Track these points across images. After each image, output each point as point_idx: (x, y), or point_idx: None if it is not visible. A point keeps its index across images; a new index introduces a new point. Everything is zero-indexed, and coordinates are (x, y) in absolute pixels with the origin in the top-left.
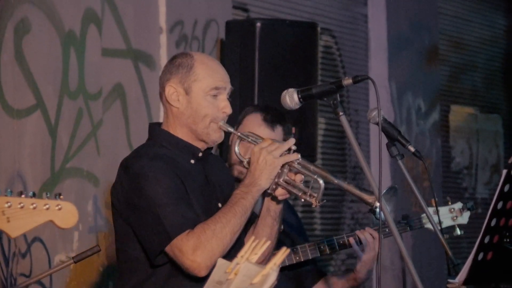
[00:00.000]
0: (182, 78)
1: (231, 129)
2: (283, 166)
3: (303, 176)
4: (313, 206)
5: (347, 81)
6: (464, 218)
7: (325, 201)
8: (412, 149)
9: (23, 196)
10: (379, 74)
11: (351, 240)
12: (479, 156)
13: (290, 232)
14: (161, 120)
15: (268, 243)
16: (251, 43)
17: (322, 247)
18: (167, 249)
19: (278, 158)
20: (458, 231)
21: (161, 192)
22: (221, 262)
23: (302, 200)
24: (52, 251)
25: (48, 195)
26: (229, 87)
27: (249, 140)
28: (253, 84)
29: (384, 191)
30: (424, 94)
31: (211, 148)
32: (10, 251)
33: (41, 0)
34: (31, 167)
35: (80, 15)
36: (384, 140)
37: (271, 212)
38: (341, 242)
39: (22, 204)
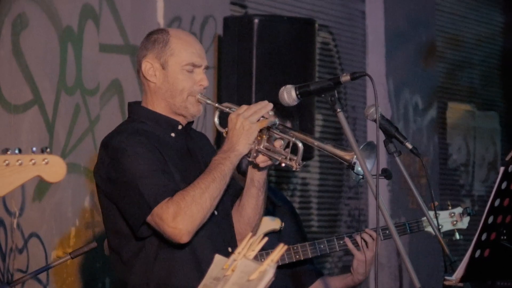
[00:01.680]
0: (158, 53)
1: (209, 101)
2: (261, 131)
3: (282, 141)
4: (293, 169)
5: (345, 77)
6: (464, 223)
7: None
8: (409, 146)
9: (8, 153)
10: (376, 71)
11: (347, 241)
12: (476, 153)
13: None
14: None
15: (266, 239)
16: (248, 40)
17: (322, 246)
18: (149, 219)
19: (255, 123)
20: (458, 236)
21: (140, 164)
22: (218, 258)
23: (283, 165)
24: (49, 246)
25: (34, 149)
26: (205, 63)
27: (227, 110)
28: (250, 80)
29: (361, 147)
30: (422, 91)
31: (192, 122)
32: (7, 246)
33: None
34: None
35: (77, 11)
36: (382, 137)
37: (255, 182)
38: (342, 242)
39: (7, 162)
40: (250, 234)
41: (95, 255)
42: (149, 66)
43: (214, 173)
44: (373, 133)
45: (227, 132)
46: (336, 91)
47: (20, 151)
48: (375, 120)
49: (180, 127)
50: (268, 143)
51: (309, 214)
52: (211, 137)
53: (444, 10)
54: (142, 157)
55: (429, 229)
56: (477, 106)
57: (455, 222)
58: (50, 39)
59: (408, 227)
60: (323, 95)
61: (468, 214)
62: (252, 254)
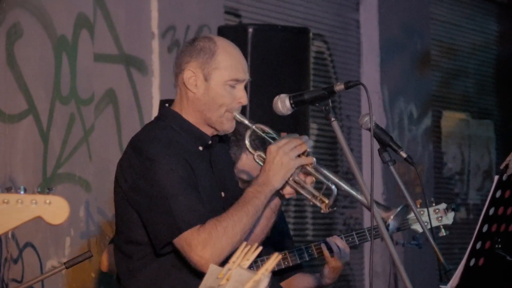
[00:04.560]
0: (203, 63)
1: (245, 121)
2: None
3: (314, 179)
4: (322, 211)
5: (339, 86)
6: (449, 219)
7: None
8: (404, 155)
9: (11, 191)
10: (371, 80)
11: (322, 246)
12: (471, 161)
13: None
14: None
15: (260, 249)
16: (243, 49)
17: (310, 251)
18: (175, 240)
19: (294, 160)
20: (444, 232)
21: (174, 182)
22: (213, 267)
23: (311, 203)
24: (44, 256)
25: (39, 190)
26: (247, 77)
27: (263, 134)
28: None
29: (399, 208)
30: (416, 100)
31: (219, 135)
32: (2, 256)
33: (33, 5)
34: (23, 172)
35: (72, 20)
36: (376, 145)
37: (272, 205)
38: (329, 246)
39: (6, 200)
40: (245, 243)
41: (90, 265)
42: (191, 74)
43: (248, 207)
44: (368, 142)
45: (259, 156)
46: (330, 100)
47: (25, 190)
48: (369, 129)
49: (210, 141)
50: (299, 177)
51: (304, 223)
52: None
53: (439, 19)
54: (176, 174)
55: (415, 226)
56: (472, 115)
57: (440, 218)
58: (45, 49)
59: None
60: (317, 104)
61: (453, 209)
62: (247, 263)
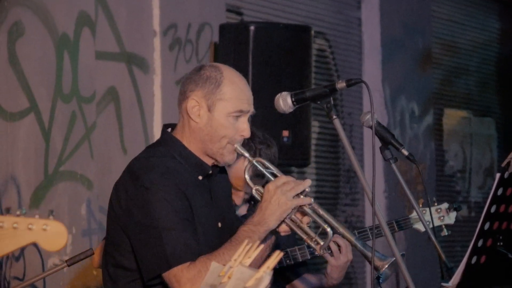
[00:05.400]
0: (207, 93)
1: (246, 154)
2: None
3: (310, 219)
4: (316, 253)
5: (341, 84)
6: (451, 218)
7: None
8: (405, 152)
9: (9, 213)
10: (372, 78)
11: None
12: (472, 159)
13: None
14: (155, 122)
15: (261, 247)
16: (244, 47)
17: (311, 249)
18: (164, 275)
19: (291, 200)
20: (446, 231)
21: (168, 214)
22: (215, 265)
23: (306, 244)
24: (46, 254)
25: (37, 213)
26: (251, 109)
27: (264, 170)
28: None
29: (394, 259)
30: (418, 98)
31: (219, 167)
32: None
33: (35, 3)
34: (25, 170)
35: (73, 18)
36: (378, 143)
37: (267, 240)
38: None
39: (1, 223)
40: (247, 241)
41: (91, 262)
42: (195, 103)
43: (240, 247)
44: (369, 140)
45: (257, 190)
46: (332, 98)
47: (25, 212)
48: (371, 127)
49: (210, 171)
50: (296, 216)
51: None
52: None
53: (440, 17)
54: (171, 206)
55: (417, 225)
56: (474, 113)
57: (442, 218)
58: (46, 47)
59: (396, 225)
60: (319, 102)
61: (455, 209)
62: (248, 261)
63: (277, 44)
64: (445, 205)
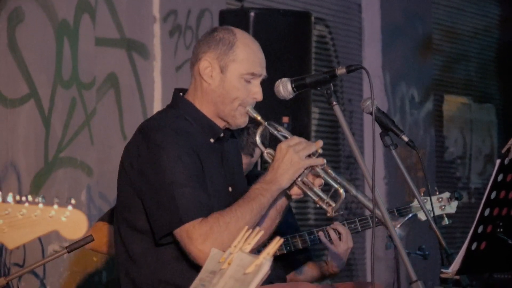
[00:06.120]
0: (220, 54)
1: (258, 117)
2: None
3: (322, 181)
4: (328, 214)
5: (341, 70)
6: (452, 208)
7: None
8: (405, 139)
9: (26, 203)
10: (372, 64)
11: (320, 234)
12: (472, 146)
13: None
14: (155, 108)
15: (261, 233)
16: None
17: (312, 236)
18: (176, 231)
19: (303, 160)
20: (447, 221)
21: (180, 171)
22: (214, 251)
23: (318, 205)
24: (46, 240)
25: (57, 200)
26: (264, 73)
27: (275, 132)
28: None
29: (407, 217)
30: (418, 84)
31: (231, 130)
32: None
33: None
34: (25, 156)
35: (73, 4)
36: (378, 129)
37: (277, 206)
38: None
39: (22, 212)
40: (246, 227)
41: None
42: (207, 64)
43: (252, 204)
44: (370, 126)
45: (268, 153)
46: (332, 84)
47: (43, 199)
48: (371, 113)
49: (222, 134)
50: (308, 178)
51: (305, 207)
52: None
53: (440, 3)
54: (184, 163)
55: (418, 214)
56: (474, 99)
57: (443, 207)
58: (46, 33)
59: (397, 213)
60: (319, 88)
61: (456, 198)
62: (248, 247)
63: (277, 30)
64: (446, 194)
